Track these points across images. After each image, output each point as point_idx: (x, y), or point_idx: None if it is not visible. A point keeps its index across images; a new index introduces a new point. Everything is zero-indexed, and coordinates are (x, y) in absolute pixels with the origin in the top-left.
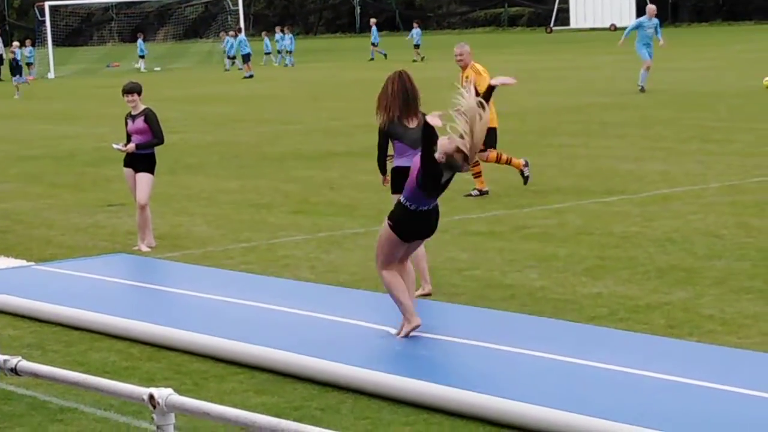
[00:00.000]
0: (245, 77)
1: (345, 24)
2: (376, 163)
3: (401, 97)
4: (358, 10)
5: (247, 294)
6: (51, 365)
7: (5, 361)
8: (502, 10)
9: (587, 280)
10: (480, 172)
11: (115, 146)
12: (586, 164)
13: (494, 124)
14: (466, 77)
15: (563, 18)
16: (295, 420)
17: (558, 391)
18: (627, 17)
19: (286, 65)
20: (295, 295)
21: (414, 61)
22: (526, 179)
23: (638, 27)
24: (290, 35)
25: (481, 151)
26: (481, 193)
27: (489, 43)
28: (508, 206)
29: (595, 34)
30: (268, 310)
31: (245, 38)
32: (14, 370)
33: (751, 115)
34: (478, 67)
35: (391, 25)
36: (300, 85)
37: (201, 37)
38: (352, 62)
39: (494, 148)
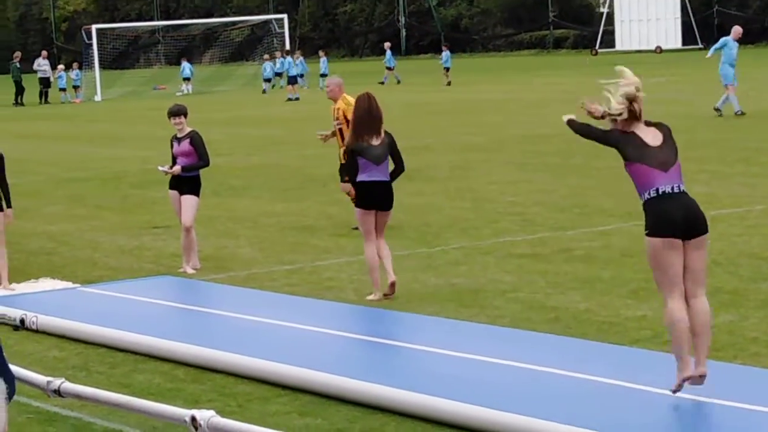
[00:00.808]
0: (289, 99)
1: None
2: (419, 186)
3: (366, 117)
4: (403, 32)
5: (291, 316)
6: (95, 387)
7: (49, 382)
8: (547, 32)
9: (631, 303)
10: None
11: (160, 168)
12: (631, 186)
13: None
14: (337, 109)
15: (608, 40)
16: None
17: (603, 414)
18: (672, 39)
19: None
20: (339, 318)
21: (448, 84)
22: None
23: (723, 47)
24: (324, 58)
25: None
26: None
27: (534, 66)
28: (552, 228)
29: (641, 56)
30: (312, 332)
31: (292, 60)
32: (57, 392)
33: None
34: (349, 98)
35: (437, 47)
36: None
37: (247, 60)
38: (397, 85)
39: None
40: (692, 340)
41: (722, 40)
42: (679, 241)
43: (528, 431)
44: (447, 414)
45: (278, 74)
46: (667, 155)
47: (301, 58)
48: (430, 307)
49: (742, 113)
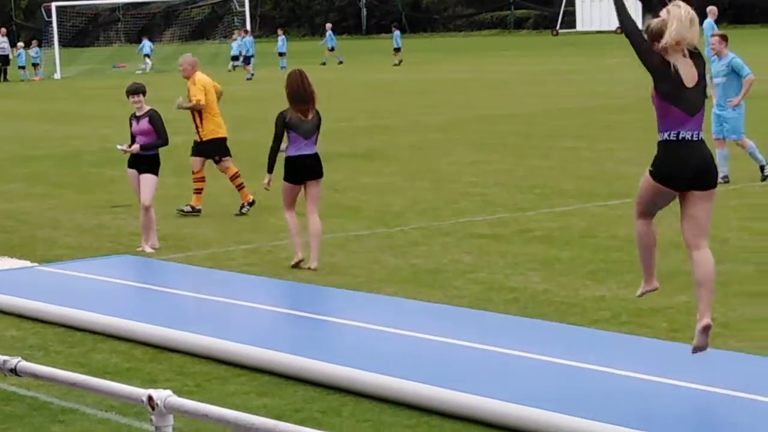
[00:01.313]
0: (248, 79)
1: (351, 26)
2: (379, 166)
3: (298, 93)
4: (364, 12)
5: (249, 296)
6: (53, 366)
7: (5, 361)
8: (508, 12)
9: (590, 284)
10: (201, 189)
11: (119, 147)
12: (591, 167)
13: (223, 134)
14: (189, 88)
15: (569, 21)
16: (296, 422)
17: (559, 395)
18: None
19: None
20: (297, 297)
21: (395, 65)
22: (241, 213)
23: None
24: (282, 36)
25: (218, 161)
26: (194, 210)
27: (495, 46)
28: (511, 209)
29: (602, 36)
30: (270, 312)
31: (252, 40)
32: (14, 371)
33: (758, 118)
34: (197, 77)
35: (397, 27)
36: None
37: (207, 39)
38: (357, 64)
39: (228, 155)
40: (697, 291)
41: (706, 23)
42: (674, 192)
43: (486, 411)
44: (405, 394)
45: (233, 56)
46: (696, 98)
47: (248, 37)
48: (390, 288)
49: None
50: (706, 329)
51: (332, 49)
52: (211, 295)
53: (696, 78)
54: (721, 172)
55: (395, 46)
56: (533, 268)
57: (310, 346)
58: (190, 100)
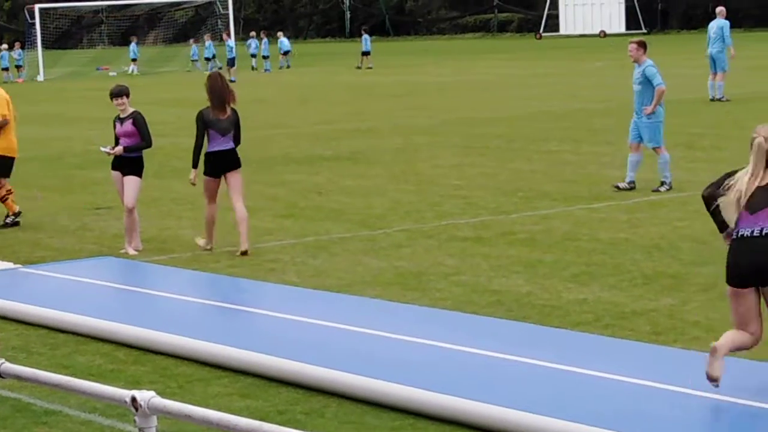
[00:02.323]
0: (230, 81)
1: (335, 29)
2: (363, 168)
3: (216, 93)
4: (348, 15)
5: (233, 298)
6: (36, 368)
7: None
8: (491, 15)
9: (573, 287)
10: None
11: (103, 149)
12: (574, 170)
13: (13, 154)
14: None
15: (553, 24)
16: (279, 424)
17: (542, 397)
18: (616, 24)
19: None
20: (282, 300)
21: (358, 67)
22: (6, 225)
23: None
24: (265, 39)
25: None
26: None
27: (478, 49)
28: (495, 212)
29: (585, 40)
30: (253, 314)
31: (233, 43)
32: None
33: (739, 122)
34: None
35: (381, 30)
36: (288, 89)
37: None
38: (342, 67)
39: (7, 177)
40: None
41: (722, 27)
42: (745, 290)
43: (470, 414)
44: (389, 396)
45: (207, 58)
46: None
47: (265, 39)
48: (373, 290)
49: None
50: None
51: (287, 53)
52: (194, 297)
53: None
54: (629, 177)
55: (363, 50)
56: (516, 270)
57: (293, 348)
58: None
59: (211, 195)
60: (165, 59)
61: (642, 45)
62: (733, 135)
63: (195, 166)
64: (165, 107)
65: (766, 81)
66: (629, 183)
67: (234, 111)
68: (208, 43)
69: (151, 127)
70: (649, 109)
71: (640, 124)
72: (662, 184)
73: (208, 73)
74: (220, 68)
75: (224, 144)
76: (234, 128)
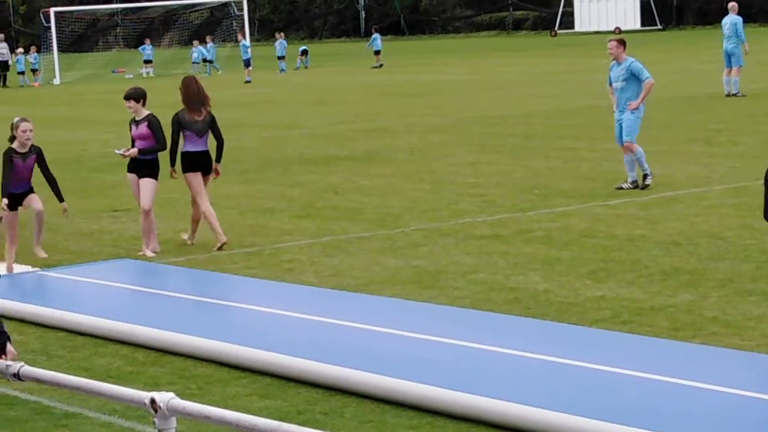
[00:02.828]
0: (246, 82)
1: (350, 29)
2: (379, 168)
3: (192, 97)
4: (363, 14)
5: (251, 298)
6: (55, 370)
7: (8, 366)
8: (506, 13)
9: (591, 283)
10: None
11: (117, 152)
12: (591, 167)
13: None
14: None
15: (568, 21)
16: (298, 424)
17: (562, 394)
18: (631, 20)
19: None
20: (299, 300)
21: (374, 67)
22: None
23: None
24: (280, 40)
25: None
26: None
27: (494, 47)
28: (512, 210)
29: (600, 37)
30: (272, 314)
31: (248, 44)
32: (17, 375)
33: (756, 117)
34: None
35: (396, 29)
36: (304, 89)
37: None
38: (356, 67)
39: None
40: None
41: (736, 23)
42: None
43: (489, 411)
44: (408, 395)
45: (205, 60)
46: None
47: (281, 40)
48: (391, 289)
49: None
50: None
51: (210, 61)
52: (212, 298)
53: None
54: (630, 177)
55: (376, 49)
56: (534, 268)
57: (312, 348)
58: None
59: (197, 189)
60: (180, 61)
61: (622, 43)
62: (749, 130)
63: (173, 165)
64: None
65: None
66: (632, 183)
67: (210, 113)
68: (209, 45)
69: (167, 129)
70: (636, 103)
71: (624, 118)
72: (645, 177)
73: (189, 74)
74: (218, 70)
75: (200, 145)
76: (212, 128)
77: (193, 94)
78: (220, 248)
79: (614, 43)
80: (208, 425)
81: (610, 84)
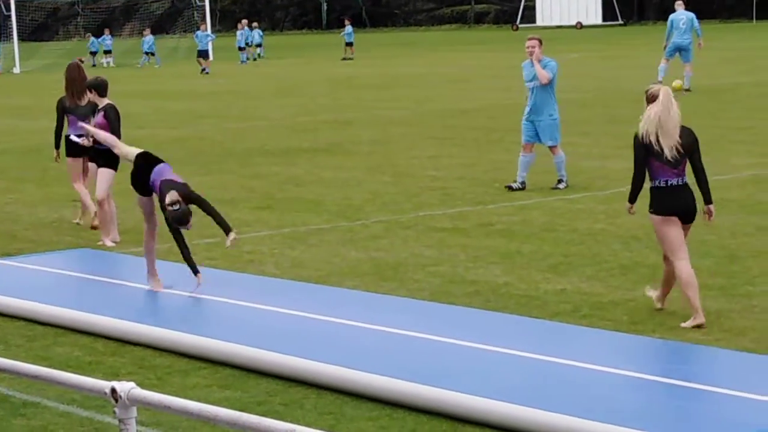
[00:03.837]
0: (202, 71)
1: (311, 20)
2: (340, 160)
3: (74, 81)
4: (324, 6)
5: (211, 289)
6: (14, 359)
7: None
8: (468, 7)
9: (551, 277)
10: None
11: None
12: (551, 161)
13: None
14: None
15: (529, 16)
16: (258, 415)
17: (520, 387)
18: (593, 15)
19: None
20: (260, 291)
21: (343, 59)
22: None
23: (672, 28)
24: (244, 30)
25: None
26: None
27: (456, 40)
28: (472, 203)
29: (561, 32)
30: (232, 305)
31: (204, 34)
32: None
33: (715, 112)
34: None
35: (358, 21)
36: (266, 81)
37: (167, 33)
38: (318, 59)
39: None
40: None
41: (692, 19)
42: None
43: (448, 404)
44: (367, 387)
45: (147, 52)
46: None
47: (150, 36)
48: (351, 281)
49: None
50: (700, 327)
51: (350, 44)
52: (172, 288)
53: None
54: (520, 177)
55: (347, 41)
56: (494, 261)
57: (272, 339)
58: None
59: (77, 175)
60: (140, 51)
61: (541, 42)
62: (709, 125)
63: (57, 147)
64: (141, 99)
65: (739, 72)
66: (521, 183)
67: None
68: (148, 37)
69: (127, 119)
70: (543, 77)
71: (539, 123)
72: (560, 182)
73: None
74: (157, 64)
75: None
76: (91, 115)
77: (73, 80)
78: (93, 227)
79: (535, 42)
80: (167, 415)
81: (525, 83)
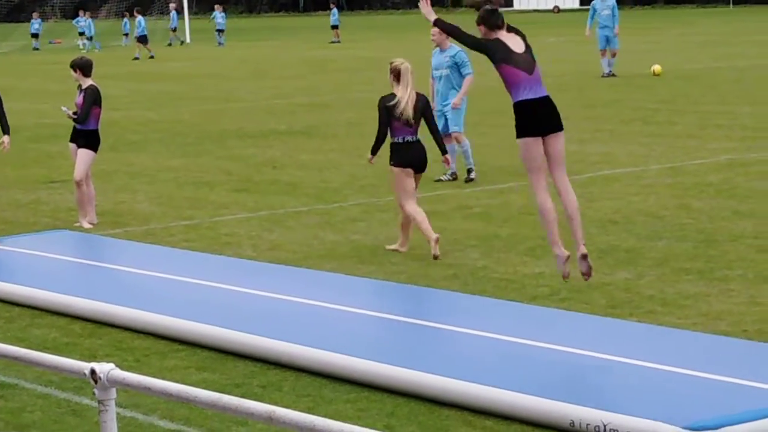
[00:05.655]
0: (135, 58)
1: (288, 3)
2: (317, 143)
3: None
4: None
5: (188, 271)
6: None
7: None
8: None
9: (529, 260)
10: None
11: (64, 109)
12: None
13: None
14: None
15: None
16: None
17: (498, 370)
18: (570, 0)
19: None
20: (237, 273)
21: (332, 42)
22: None
23: (594, 13)
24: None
25: None
26: None
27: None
28: (450, 186)
29: (538, 16)
30: (209, 287)
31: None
32: None
33: (693, 97)
34: None
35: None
36: (242, 63)
37: (143, 15)
38: (295, 41)
39: None
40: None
41: (613, 7)
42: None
43: (427, 386)
44: (345, 369)
45: (125, 34)
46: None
47: (89, 18)
48: (329, 264)
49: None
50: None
51: (174, 30)
52: (150, 270)
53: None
54: (450, 168)
55: (333, 24)
56: (472, 244)
57: (250, 322)
58: None
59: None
60: (117, 33)
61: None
62: (687, 110)
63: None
64: (118, 81)
65: (717, 57)
66: (451, 174)
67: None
68: (87, 20)
69: (105, 101)
70: (457, 100)
71: (447, 109)
72: (470, 171)
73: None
74: (96, 48)
75: None
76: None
77: None
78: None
79: (438, 30)
80: (146, 397)
81: (432, 72)
